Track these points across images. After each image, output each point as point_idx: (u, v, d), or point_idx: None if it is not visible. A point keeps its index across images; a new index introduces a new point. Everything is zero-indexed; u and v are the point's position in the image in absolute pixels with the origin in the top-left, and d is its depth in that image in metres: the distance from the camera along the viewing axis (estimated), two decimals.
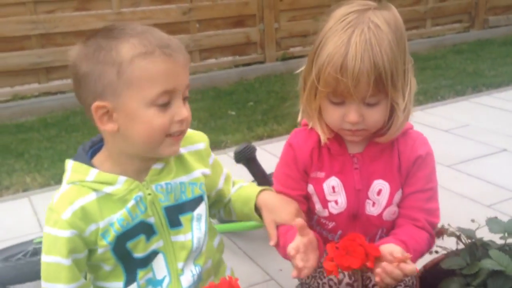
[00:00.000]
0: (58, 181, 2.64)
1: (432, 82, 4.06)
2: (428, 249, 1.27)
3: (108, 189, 1.09)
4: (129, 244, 1.12)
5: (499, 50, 5.05)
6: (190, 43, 4.30)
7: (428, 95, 3.75)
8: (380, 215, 1.27)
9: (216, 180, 1.31)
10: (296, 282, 1.43)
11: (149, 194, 1.14)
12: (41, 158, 2.91)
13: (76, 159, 1.14)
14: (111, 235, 1.10)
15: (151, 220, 1.14)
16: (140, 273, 1.15)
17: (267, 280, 1.80)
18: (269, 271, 1.83)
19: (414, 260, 1.20)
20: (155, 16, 4.12)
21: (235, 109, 3.66)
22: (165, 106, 1.06)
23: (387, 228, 1.28)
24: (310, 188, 1.29)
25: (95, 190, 1.09)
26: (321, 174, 1.28)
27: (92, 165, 1.12)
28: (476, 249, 1.19)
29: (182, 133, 1.12)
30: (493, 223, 1.22)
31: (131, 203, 1.11)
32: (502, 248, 1.18)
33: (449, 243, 1.30)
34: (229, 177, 1.37)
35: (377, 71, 1.09)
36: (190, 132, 1.20)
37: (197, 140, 1.25)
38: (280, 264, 1.67)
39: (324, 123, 1.24)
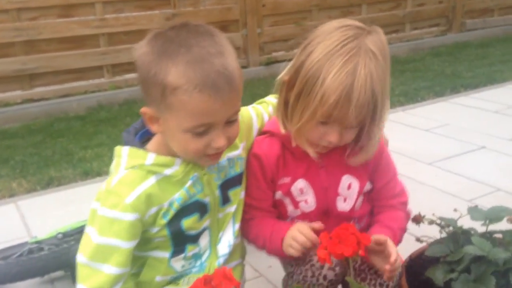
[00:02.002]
0: (44, 186, 2.65)
1: (412, 84, 4.15)
2: (406, 223, 1.37)
3: (168, 171, 1.13)
4: (184, 221, 1.17)
5: (476, 52, 5.17)
6: None
7: (409, 97, 3.83)
8: (352, 209, 1.33)
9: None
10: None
11: (205, 174, 1.18)
12: (27, 164, 2.91)
13: (128, 144, 1.15)
14: (170, 213, 1.15)
15: (207, 199, 1.20)
16: (189, 248, 1.21)
17: (257, 277, 1.84)
18: (258, 268, 1.87)
19: (400, 237, 1.33)
20: (139, 22, 4.14)
21: None
22: (201, 134, 1.07)
23: (359, 218, 1.35)
24: (279, 194, 1.33)
25: (154, 173, 1.12)
26: (287, 179, 1.31)
27: (146, 150, 1.14)
28: (458, 236, 1.25)
29: (219, 153, 1.14)
30: (474, 211, 1.28)
31: (189, 183, 1.15)
32: (483, 235, 1.24)
33: (433, 232, 1.35)
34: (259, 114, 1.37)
35: (375, 101, 1.12)
36: None
37: None
38: (270, 261, 1.70)
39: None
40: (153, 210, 1.13)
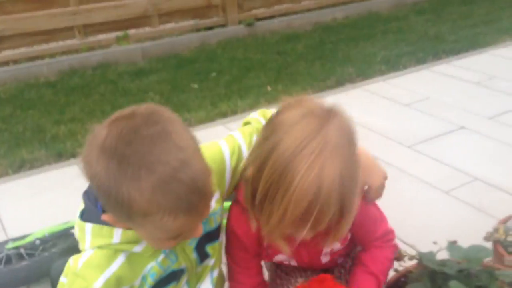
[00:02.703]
0: (16, 169, 2.58)
1: (394, 49, 4.07)
2: (392, 260, 1.32)
3: (137, 248, 1.05)
4: None
5: (459, 10, 5.07)
6: (148, 7, 4.14)
7: (390, 65, 3.76)
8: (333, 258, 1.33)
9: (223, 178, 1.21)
10: None
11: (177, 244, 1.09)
12: None
13: (90, 219, 1.05)
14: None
15: (183, 266, 1.14)
16: None
17: None
18: None
19: (384, 279, 1.30)
20: None
21: (197, 81, 3.59)
22: (174, 237, 1.00)
23: (342, 256, 1.36)
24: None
25: (122, 251, 1.05)
26: (270, 251, 1.28)
27: (111, 225, 1.02)
28: (436, 276, 1.25)
29: None
30: (453, 250, 1.27)
31: (161, 257, 1.09)
32: (460, 274, 1.24)
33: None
34: (235, 153, 1.22)
35: (342, 200, 0.99)
36: None
37: None
38: None
39: None
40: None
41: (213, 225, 1.18)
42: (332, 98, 3.25)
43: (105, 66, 3.89)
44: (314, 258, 1.28)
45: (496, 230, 1.59)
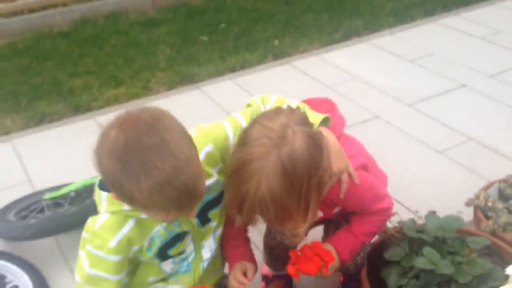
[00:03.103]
0: (37, 122, 2.75)
1: (404, 0, 4.07)
2: (380, 225, 1.47)
3: (144, 215, 1.23)
4: (169, 251, 1.34)
5: None
6: None
7: (398, 17, 3.79)
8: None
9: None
10: None
11: None
12: (18, 95, 2.96)
13: (105, 189, 1.23)
14: (153, 249, 1.30)
15: (186, 229, 1.34)
16: (176, 257, 1.38)
17: None
18: None
19: (366, 239, 1.47)
20: None
21: (207, 33, 3.67)
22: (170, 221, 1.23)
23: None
24: None
25: (132, 217, 1.25)
26: None
27: None
28: (414, 242, 1.42)
29: None
30: (431, 219, 1.43)
31: (165, 222, 1.28)
32: (436, 240, 1.41)
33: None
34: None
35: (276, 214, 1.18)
36: (195, 137, 1.22)
37: (201, 145, 1.29)
38: None
39: None
40: (135, 248, 1.28)
41: (214, 193, 1.35)
42: (338, 53, 3.34)
43: (116, 15, 3.96)
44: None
45: (477, 196, 1.74)
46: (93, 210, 1.49)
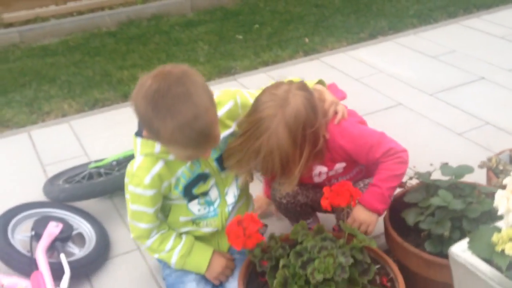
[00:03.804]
0: (91, 107, 3.05)
1: (427, 3, 4.30)
2: (398, 166, 1.62)
3: (170, 157, 1.52)
4: (194, 190, 1.61)
5: None
6: None
7: (422, 18, 4.02)
8: (328, 178, 1.75)
9: None
10: None
11: None
12: (72, 84, 3.28)
13: (140, 135, 1.53)
14: (180, 186, 1.58)
15: (206, 171, 1.60)
16: (201, 197, 1.65)
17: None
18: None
19: (387, 184, 1.62)
20: None
21: (242, 33, 3.95)
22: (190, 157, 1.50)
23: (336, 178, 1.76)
24: None
25: (162, 158, 1.52)
26: None
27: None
28: (430, 187, 1.63)
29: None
30: (444, 168, 1.65)
31: (188, 163, 1.56)
32: (450, 187, 1.63)
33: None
34: None
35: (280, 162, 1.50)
36: (217, 97, 1.55)
37: (224, 102, 1.59)
38: None
39: None
40: (165, 184, 1.56)
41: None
42: (364, 51, 3.58)
43: (158, 17, 4.28)
44: (305, 179, 1.73)
45: (489, 159, 1.95)
46: (119, 180, 1.77)
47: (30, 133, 2.80)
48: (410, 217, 1.60)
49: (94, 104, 3.06)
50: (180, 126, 1.33)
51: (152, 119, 1.34)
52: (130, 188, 1.55)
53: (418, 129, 2.66)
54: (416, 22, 3.97)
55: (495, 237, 1.10)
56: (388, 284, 1.51)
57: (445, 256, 1.35)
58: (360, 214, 1.61)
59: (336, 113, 1.62)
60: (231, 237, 1.44)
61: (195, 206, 1.65)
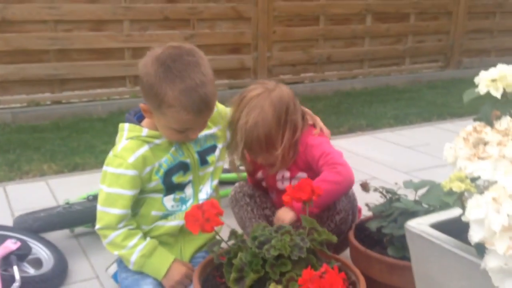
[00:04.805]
0: (70, 170, 3.07)
1: (404, 110, 4.56)
2: (334, 180, 1.70)
3: (157, 141, 1.59)
4: (174, 177, 1.65)
5: (469, 87, 5.56)
6: None
7: (398, 120, 4.24)
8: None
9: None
10: None
11: (184, 143, 1.64)
12: (56, 152, 3.34)
13: (128, 122, 1.63)
14: (161, 171, 1.62)
15: (188, 160, 1.66)
16: (177, 192, 1.67)
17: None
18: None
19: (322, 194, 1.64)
20: (161, 39, 4.62)
21: None
22: (182, 131, 1.56)
23: None
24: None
25: (148, 142, 1.58)
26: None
27: (141, 126, 1.61)
28: (393, 200, 1.64)
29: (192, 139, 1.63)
30: (407, 183, 1.67)
31: (172, 149, 1.63)
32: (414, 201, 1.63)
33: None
34: None
35: (259, 141, 1.68)
36: None
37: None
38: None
39: None
40: (148, 169, 1.59)
41: (209, 143, 1.73)
42: (343, 141, 3.72)
43: None
44: (271, 183, 1.79)
45: None
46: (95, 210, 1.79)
47: (6, 188, 2.79)
48: (373, 224, 1.58)
49: (74, 168, 3.10)
50: (187, 89, 1.43)
51: (161, 80, 1.43)
52: (110, 170, 1.56)
53: None
54: (393, 122, 4.18)
55: (443, 182, 1.11)
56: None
57: (408, 260, 1.32)
58: (280, 211, 1.67)
59: (314, 126, 1.75)
60: (189, 220, 1.41)
61: (169, 202, 1.66)
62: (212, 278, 1.48)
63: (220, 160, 1.76)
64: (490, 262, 0.93)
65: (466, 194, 1.09)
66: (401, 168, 3.12)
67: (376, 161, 3.26)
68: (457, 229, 1.15)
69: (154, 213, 1.65)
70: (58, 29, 4.28)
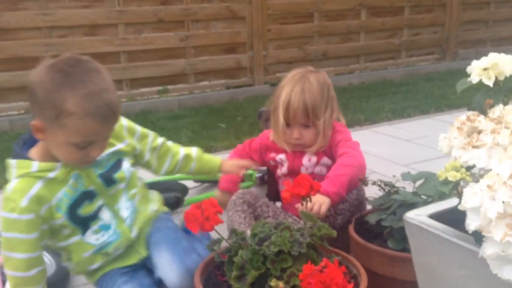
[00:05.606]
0: None
1: (401, 103, 4.56)
2: (348, 161, 1.79)
3: (51, 174, 1.42)
4: (79, 210, 1.50)
5: (466, 78, 5.57)
6: (186, 66, 4.81)
7: (396, 113, 4.24)
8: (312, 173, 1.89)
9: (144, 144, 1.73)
10: None
11: (83, 170, 1.48)
12: None
13: (15, 157, 1.44)
14: (63, 207, 1.46)
15: (91, 188, 1.51)
16: (92, 224, 1.53)
17: None
18: None
19: (339, 175, 1.74)
20: (156, 42, 4.63)
21: (225, 123, 4.13)
22: (83, 147, 1.39)
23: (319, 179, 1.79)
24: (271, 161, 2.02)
25: (40, 177, 1.41)
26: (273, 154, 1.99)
27: (31, 159, 1.42)
28: (392, 193, 1.64)
29: (93, 159, 1.46)
30: (405, 175, 1.67)
31: (71, 181, 1.46)
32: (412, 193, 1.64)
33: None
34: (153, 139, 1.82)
35: (305, 107, 1.80)
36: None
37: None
38: None
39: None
40: (45, 207, 1.44)
41: (111, 161, 1.56)
42: None
43: (145, 112, 4.49)
44: (297, 165, 1.75)
45: None
46: None
47: None
48: (373, 217, 1.58)
49: (7, 176, 3.08)
50: (90, 94, 1.31)
51: (60, 86, 1.30)
52: (4, 214, 1.40)
53: None
54: (391, 116, 4.18)
55: (439, 172, 1.12)
56: (352, 281, 1.44)
57: (408, 251, 1.32)
58: (315, 197, 1.63)
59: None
60: (189, 220, 1.41)
61: (91, 237, 1.54)
62: (213, 277, 1.49)
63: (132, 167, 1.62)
64: (487, 250, 0.93)
65: (462, 183, 1.09)
66: (400, 161, 3.12)
67: (375, 155, 3.26)
68: (455, 218, 1.15)
69: (86, 254, 1.56)
70: (52, 35, 4.29)
